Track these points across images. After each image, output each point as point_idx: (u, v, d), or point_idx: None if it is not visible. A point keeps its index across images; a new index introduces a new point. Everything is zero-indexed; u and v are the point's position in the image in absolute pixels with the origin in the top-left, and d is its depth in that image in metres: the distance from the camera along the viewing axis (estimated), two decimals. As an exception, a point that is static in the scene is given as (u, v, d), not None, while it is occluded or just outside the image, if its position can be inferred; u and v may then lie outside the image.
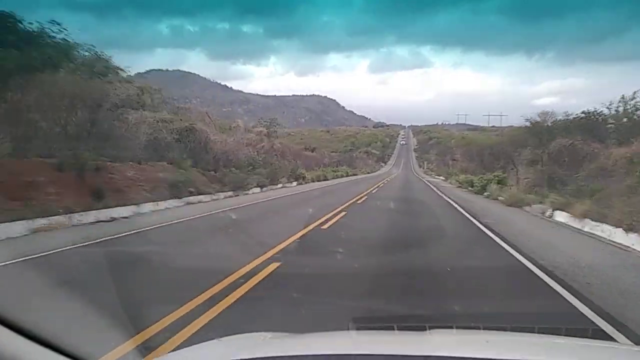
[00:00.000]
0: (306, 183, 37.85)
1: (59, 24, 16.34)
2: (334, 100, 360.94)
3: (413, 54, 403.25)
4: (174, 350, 3.86)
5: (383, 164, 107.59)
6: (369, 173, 76.91)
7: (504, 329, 2.54)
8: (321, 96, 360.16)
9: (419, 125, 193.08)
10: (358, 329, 2.70)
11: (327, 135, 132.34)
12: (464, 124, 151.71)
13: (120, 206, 13.73)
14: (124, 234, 10.73)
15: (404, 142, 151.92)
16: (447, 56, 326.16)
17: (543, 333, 2.40)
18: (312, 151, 77.21)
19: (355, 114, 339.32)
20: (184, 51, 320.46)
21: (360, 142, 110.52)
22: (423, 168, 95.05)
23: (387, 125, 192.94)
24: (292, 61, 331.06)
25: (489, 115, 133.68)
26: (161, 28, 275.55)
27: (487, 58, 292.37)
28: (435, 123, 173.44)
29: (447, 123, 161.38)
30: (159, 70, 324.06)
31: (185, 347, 2.70)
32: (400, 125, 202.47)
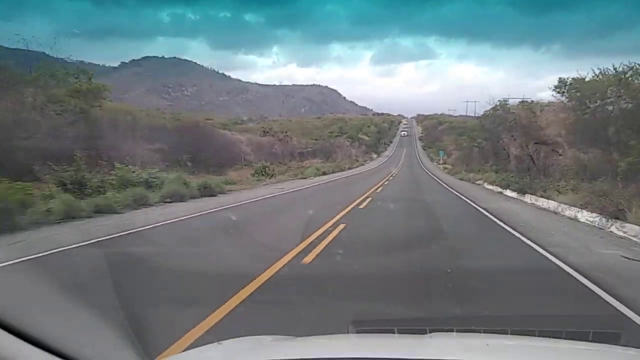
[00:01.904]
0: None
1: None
2: (335, 90, 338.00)
3: (417, 45, 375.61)
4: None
5: (375, 155, 77.30)
6: (324, 174, 36.77)
7: (505, 333, 2.38)
8: (322, 86, 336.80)
9: (424, 114, 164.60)
10: (358, 332, 2.61)
11: (318, 122, 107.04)
12: (472, 117, 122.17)
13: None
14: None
15: (405, 132, 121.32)
16: (452, 48, 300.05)
17: (544, 336, 2.27)
18: (272, 136, 52.11)
19: (357, 104, 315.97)
20: (185, 40, 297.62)
21: (349, 127, 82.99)
22: (439, 163, 63.61)
23: (389, 115, 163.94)
24: (294, 52, 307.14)
25: (508, 98, 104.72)
26: (162, 16, 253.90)
27: (493, 50, 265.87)
28: (442, 113, 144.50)
29: (453, 113, 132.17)
30: (155, 57, 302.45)
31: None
32: (402, 115, 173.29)
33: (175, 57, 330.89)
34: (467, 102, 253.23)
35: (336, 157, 54.84)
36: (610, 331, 3.25)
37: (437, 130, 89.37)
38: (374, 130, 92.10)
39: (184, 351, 3.44)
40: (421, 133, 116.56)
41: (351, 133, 76.26)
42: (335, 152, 57.26)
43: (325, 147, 58.23)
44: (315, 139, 71.97)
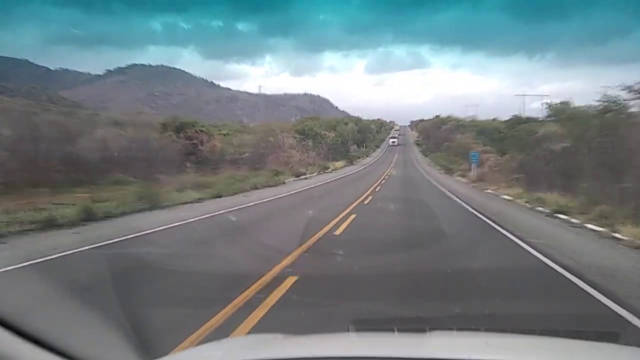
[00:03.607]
0: None
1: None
2: (327, 100, 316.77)
3: (411, 54, 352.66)
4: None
5: (339, 164, 45.30)
6: None
7: (505, 331, 2.33)
8: (313, 95, 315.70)
9: (422, 118, 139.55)
10: (358, 330, 2.50)
11: (289, 126, 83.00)
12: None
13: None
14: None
15: (394, 140, 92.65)
16: (446, 57, 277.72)
17: (543, 335, 2.21)
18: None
19: (349, 114, 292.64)
20: (176, 49, 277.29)
21: (319, 126, 56.03)
22: (468, 178, 31.74)
23: (380, 120, 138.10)
24: (287, 61, 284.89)
25: (524, 94, 72.91)
26: (153, 25, 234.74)
27: (487, 59, 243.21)
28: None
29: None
30: (141, 65, 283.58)
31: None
32: (394, 122, 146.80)
33: (162, 65, 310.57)
34: (467, 105, 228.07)
35: (269, 164, 29.22)
36: (609, 330, 3.23)
37: (440, 131, 63.94)
38: (351, 129, 65.89)
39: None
40: (417, 137, 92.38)
41: (304, 126, 49.62)
42: (271, 158, 31.85)
43: (260, 150, 33.00)
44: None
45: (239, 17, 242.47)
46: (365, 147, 68.73)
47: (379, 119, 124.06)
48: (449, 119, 69.42)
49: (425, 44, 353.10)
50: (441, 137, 58.77)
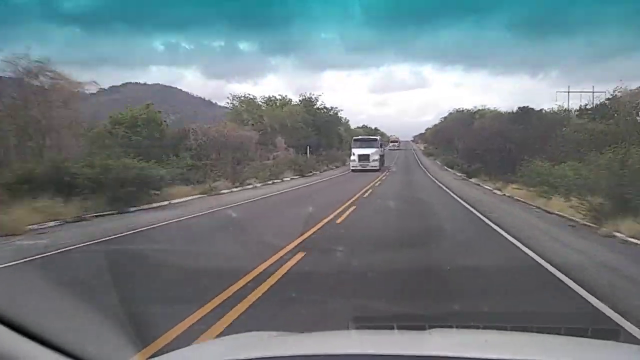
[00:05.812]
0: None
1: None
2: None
3: (414, 73, 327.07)
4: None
5: None
6: None
7: (504, 329, 2.18)
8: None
9: (424, 129, 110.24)
10: (358, 328, 2.34)
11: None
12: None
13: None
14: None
15: (368, 153, 37.74)
16: (448, 75, 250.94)
17: (542, 332, 2.10)
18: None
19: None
20: (179, 69, 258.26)
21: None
22: None
23: (377, 129, 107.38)
24: (289, 80, 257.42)
25: (569, 91, 43.21)
26: (155, 45, 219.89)
27: (490, 78, 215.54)
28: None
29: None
30: (136, 83, 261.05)
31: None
32: (394, 136, 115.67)
33: (158, 84, 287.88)
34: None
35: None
36: (609, 328, 3.12)
37: (474, 129, 33.26)
38: (291, 115, 32.16)
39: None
40: (425, 147, 63.96)
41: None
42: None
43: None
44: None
45: (240, 37, 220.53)
46: (310, 154, 33.35)
47: (375, 128, 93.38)
48: (483, 110, 40.48)
49: (427, 63, 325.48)
50: (482, 137, 26.93)
